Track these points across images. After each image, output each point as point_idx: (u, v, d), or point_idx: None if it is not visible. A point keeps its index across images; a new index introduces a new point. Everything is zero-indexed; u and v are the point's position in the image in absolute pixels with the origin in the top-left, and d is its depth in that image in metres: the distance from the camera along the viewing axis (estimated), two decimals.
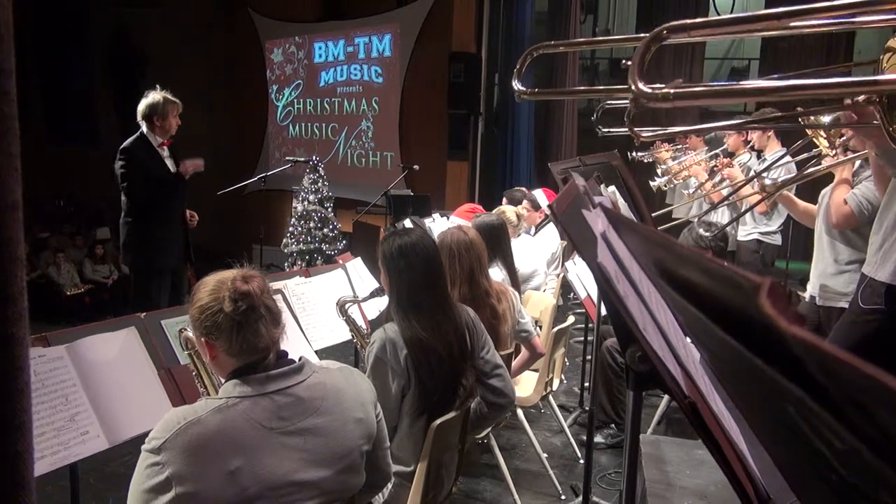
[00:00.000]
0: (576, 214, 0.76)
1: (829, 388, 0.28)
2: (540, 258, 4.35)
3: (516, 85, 1.43)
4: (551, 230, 4.93)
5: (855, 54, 7.30)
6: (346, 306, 2.59)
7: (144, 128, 4.03)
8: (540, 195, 5.08)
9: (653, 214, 3.50)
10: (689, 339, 0.79)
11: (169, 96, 4.04)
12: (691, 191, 4.74)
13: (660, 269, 0.62)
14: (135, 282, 4.17)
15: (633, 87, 0.85)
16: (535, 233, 5.06)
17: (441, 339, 2.07)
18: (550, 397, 3.50)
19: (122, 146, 4.01)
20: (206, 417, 1.32)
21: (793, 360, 0.29)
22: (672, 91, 0.89)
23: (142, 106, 4.02)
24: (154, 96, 4.01)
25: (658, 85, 0.90)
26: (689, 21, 0.95)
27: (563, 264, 4.81)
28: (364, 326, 2.88)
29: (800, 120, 2.22)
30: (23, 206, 0.39)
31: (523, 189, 5.41)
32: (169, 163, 4.13)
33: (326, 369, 1.55)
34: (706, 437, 0.68)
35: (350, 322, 2.63)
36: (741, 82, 0.97)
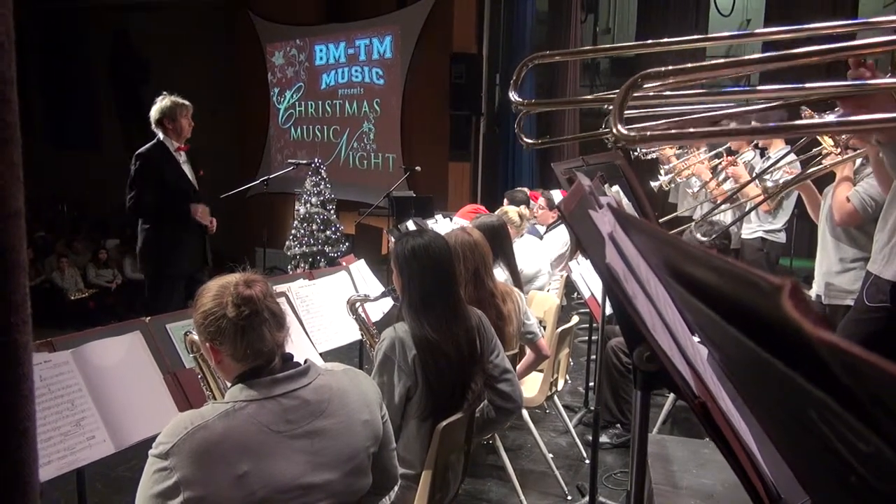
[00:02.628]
0: (583, 215, 0.76)
1: (855, 390, 0.27)
2: (544, 259, 4.34)
3: (513, 97, 1.40)
4: (560, 232, 4.92)
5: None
6: (356, 305, 2.60)
7: (160, 134, 4.09)
8: (557, 195, 5.06)
9: (661, 220, 3.49)
10: (696, 338, 0.79)
11: (178, 99, 4.11)
12: (695, 189, 4.72)
13: (669, 267, 0.61)
14: (148, 287, 4.21)
15: (613, 131, 0.86)
16: (546, 231, 5.05)
17: (451, 341, 2.07)
18: (555, 398, 3.49)
19: (137, 151, 4.07)
20: (213, 422, 1.32)
21: (816, 362, 0.29)
22: (649, 133, 0.92)
23: (153, 112, 4.10)
24: (163, 101, 4.09)
25: (638, 125, 0.93)
26: (663, 69, 0.95)
27: (567, 264, 4.80)
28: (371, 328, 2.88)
29: (804, 117, 2.21)
30: (24, 211, 0.39)
31: (525, 189, 5.40)
32: (186, 168, 4.17)
33: (331, 371, 1.55)
34: (716, 435, 0.67)
35: (360, 321, 2.63)
36: (722, 126, 0.99)
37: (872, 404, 0.27)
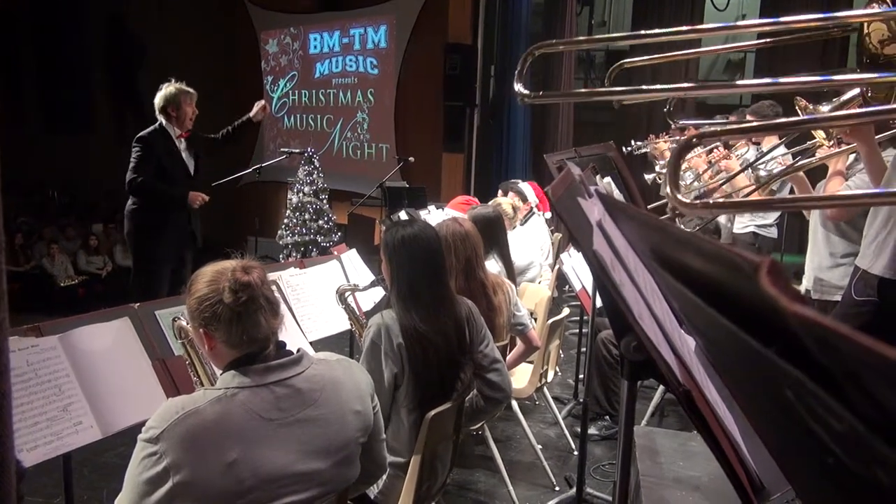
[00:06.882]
0: (571, 202, 0.75)
1: (829, 366, 0.27)
2: (535, 251, 4.34)
3: (519, 88, 1.36)
4: (537, 222, 4.91)
5: (851, 46, 7.29)
6: (346, 295, 2.60)
7: (163, 120, 4.09)
8: (527, 188, 5.05)
9: (648, 207, 3.49)
10: (683, 328, 0.79)
11: (183, 86, 4.10)
12: (688, 182, 4.73)
13: (656, 254, 0.61)
14: (135, 272, 4.20)
15: (670, 195, 0.88)
16: (523, 223, 5.03)
17: (439, 331, 2.07)
18: (545, 389, 3.50)
19: (138, 135, 4.05)
20: (205, 407, 1.31)
21: (792, 340, 0.29)
22: (711, 201, 0.96)
23: (157, 98, 4.09)
24: (168, 87, 4.09)
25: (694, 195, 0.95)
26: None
27: (556, 256, 4.80)
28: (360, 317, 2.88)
29: (798, 111, 2.21)
30: (15, 195, 0.38)
31: (518, 181, 5.39)
32: (185, 155, 4.16)
33: (325, 361, 1.54)
34: (701, 425, 0.67)
35: (349, 311, 2.63)
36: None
37: (845, 378, 0.27)
